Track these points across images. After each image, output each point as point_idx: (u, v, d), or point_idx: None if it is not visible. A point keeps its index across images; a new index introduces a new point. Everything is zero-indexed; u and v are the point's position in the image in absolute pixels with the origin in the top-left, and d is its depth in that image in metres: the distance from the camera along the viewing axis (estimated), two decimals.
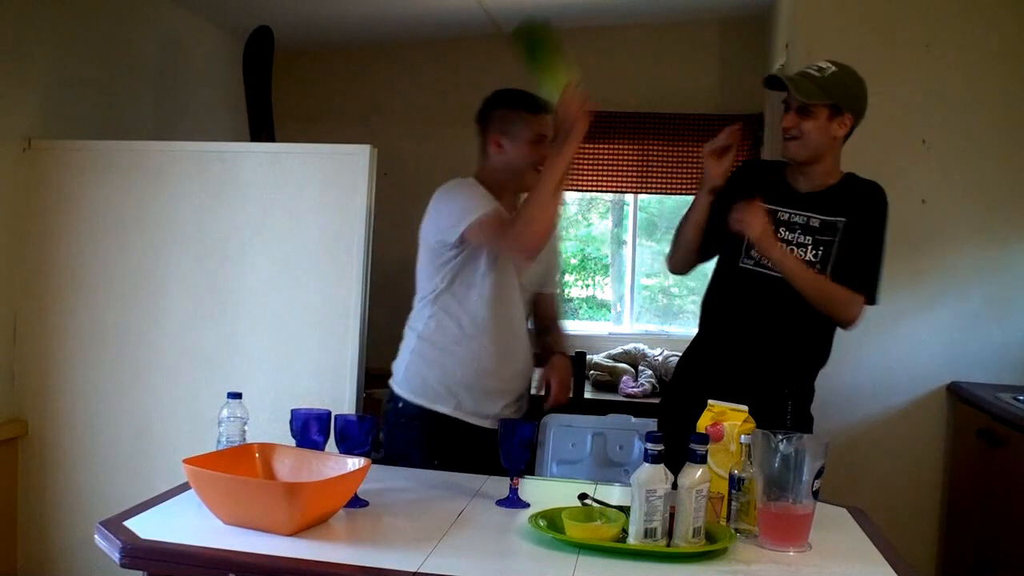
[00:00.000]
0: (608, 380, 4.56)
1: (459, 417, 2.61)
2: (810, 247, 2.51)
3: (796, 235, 2.53)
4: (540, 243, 2.46)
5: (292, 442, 2.16)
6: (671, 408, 2.76)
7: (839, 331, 3.49)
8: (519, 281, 2.64)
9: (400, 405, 2.66)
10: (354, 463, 2.00)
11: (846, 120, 2.50)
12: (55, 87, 3.50)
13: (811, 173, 2.58)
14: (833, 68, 2.51)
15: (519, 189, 2.62)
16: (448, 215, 2.55)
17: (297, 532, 1.83)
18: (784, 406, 2.49)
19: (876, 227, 2.53)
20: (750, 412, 2.05)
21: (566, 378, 2.64)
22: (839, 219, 2.51)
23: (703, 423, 2.04)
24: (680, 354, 2.84)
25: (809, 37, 3.57)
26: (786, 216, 2.55)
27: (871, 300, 2.54)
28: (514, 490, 2.12)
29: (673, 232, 2.76)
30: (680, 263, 2.75)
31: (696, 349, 2.76)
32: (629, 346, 4.89)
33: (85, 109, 3.66)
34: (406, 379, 2.66)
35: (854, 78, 2.53)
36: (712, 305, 2.73)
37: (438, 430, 2.61)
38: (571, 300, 5.46)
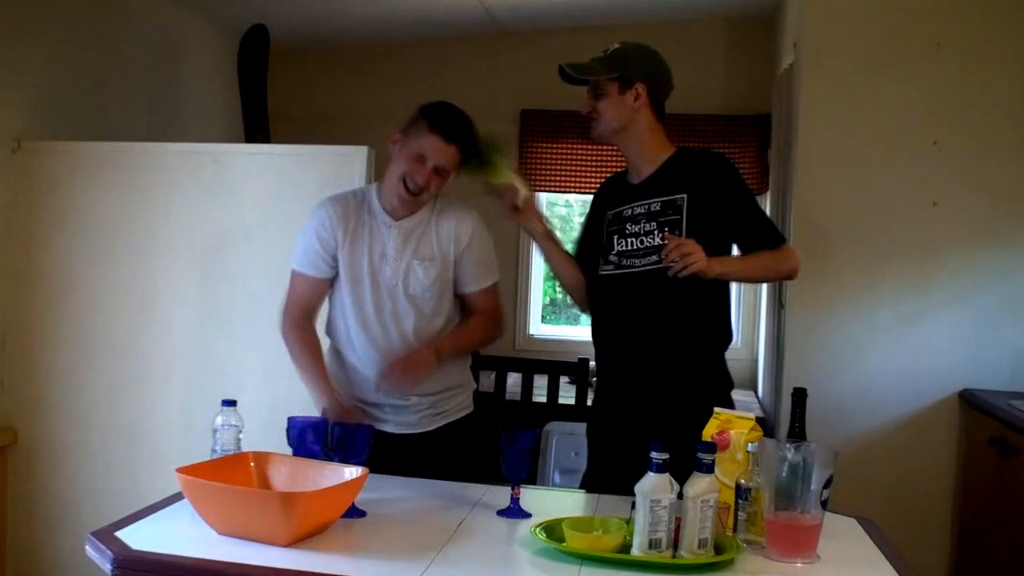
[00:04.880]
0: None
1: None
2: (657, 231, 2.48)
3: (642, 225, 2.51)
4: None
5: (288, 451, 2.14)
6: (599, 433, 2.72)
7: (848, 336, 3.51)
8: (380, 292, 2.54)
9: None
10: (351, 472, 1.98)
11: (638, 90, 2.50)
12: (45, 86, 3.48)
13: (636, 160, 2.57)
14: (617, 45, 2.55)
15: (390, 194, 2.53)
16: None
17: (293, 543, 1.82)
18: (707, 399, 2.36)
19: (735, 189, 2.52)
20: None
21: (400, 362, 2.45)
22: (679, 196, 2.48)
23: (709, 431, 2.00)
24: None
25: (817, 36, 3.56)
26: (629, 211, 2.54)
27: (785, 240, 2.59)
28: (515, 500, 2.10)
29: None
30: (585, 303, 2.74)
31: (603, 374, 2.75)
32: None
33: (76, 109, 3.64)
34: None
35: (638, 50, 2.54)
36: (597, 324, 2.70)
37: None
38: (572, 306, 5.42)
